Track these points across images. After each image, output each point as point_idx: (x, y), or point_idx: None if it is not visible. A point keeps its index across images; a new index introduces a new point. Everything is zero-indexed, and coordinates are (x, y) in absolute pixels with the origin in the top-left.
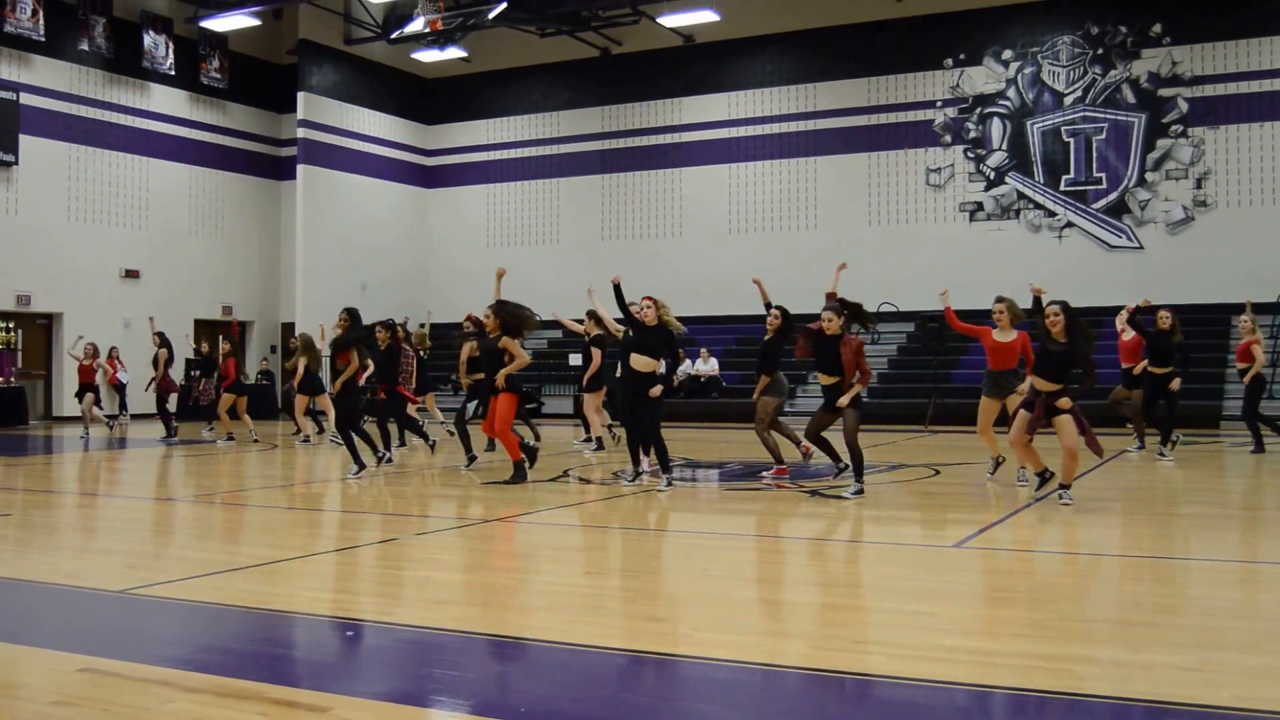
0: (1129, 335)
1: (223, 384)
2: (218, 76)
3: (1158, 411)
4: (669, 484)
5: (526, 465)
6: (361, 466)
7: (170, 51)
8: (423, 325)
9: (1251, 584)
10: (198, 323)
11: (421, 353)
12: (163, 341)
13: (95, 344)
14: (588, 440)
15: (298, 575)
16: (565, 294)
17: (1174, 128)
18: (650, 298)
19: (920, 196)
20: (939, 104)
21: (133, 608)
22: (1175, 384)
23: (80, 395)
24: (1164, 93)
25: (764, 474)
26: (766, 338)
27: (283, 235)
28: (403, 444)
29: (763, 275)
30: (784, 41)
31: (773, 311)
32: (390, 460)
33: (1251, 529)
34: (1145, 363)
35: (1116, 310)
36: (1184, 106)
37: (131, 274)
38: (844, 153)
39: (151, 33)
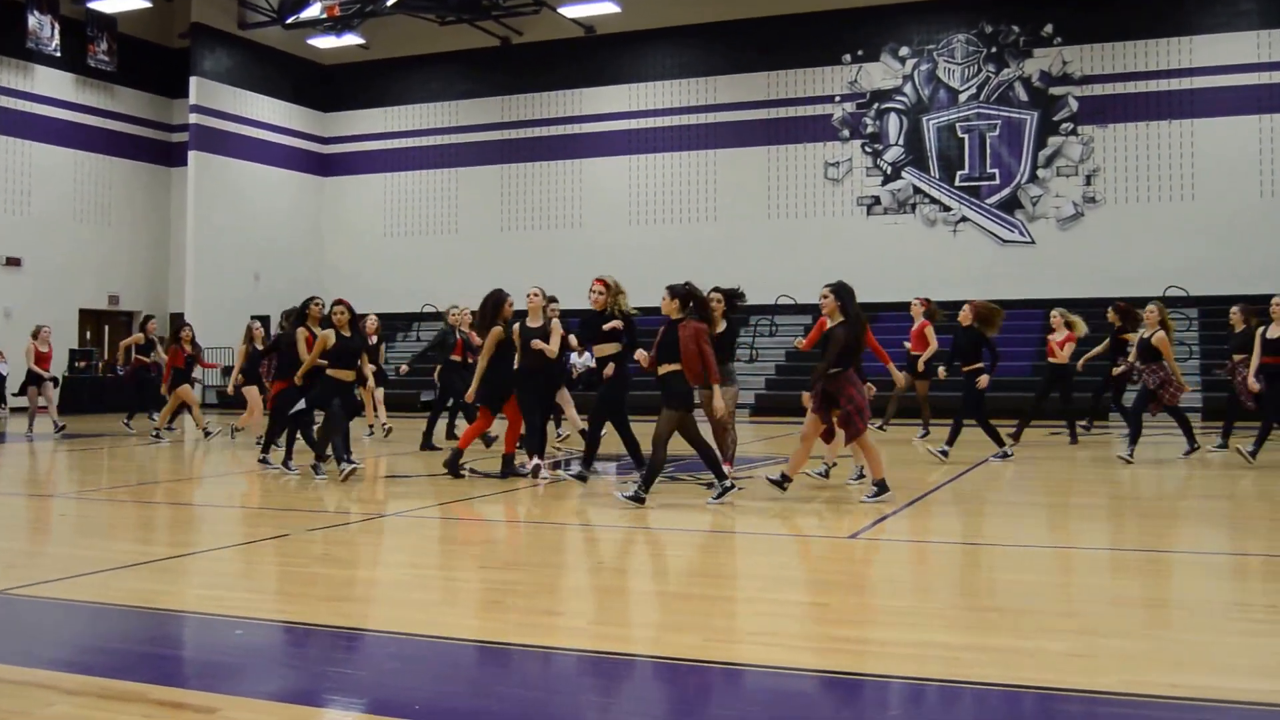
0: (922, 324)
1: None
2: (106, 59)
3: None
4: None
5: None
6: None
7: (56, 32)
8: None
9: (1129, 571)
10: (82, 312)
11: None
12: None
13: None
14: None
15: (185, 573)
16: (462, 285)
17: (1064, 125)
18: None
19: (818, 190)
20: (837, 99)
21: (10, 608)
22: (983, 380)
23: (33, 386)
24: (1055, 91)
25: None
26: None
27: (173, 223)
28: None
29: (662, 266)
30: (684, 34)
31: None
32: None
33: (1127, 518)
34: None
35: (1008, 303)
36: (1074, 105)
37: (12, 262)
38: (743, 145)
39: (36, 13)
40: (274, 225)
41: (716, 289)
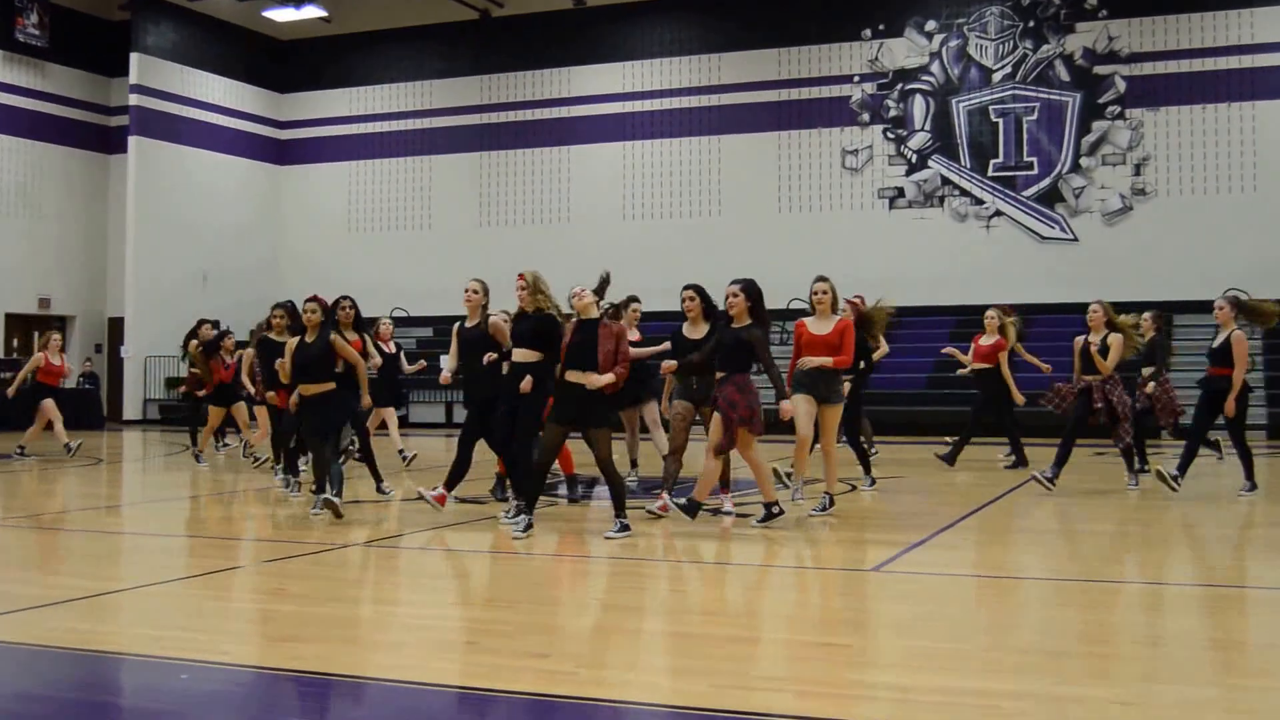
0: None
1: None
2: (36, 33)
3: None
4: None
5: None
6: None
7: None
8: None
9: (1180, 609)
10: (9, 317)
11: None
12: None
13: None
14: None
15: (125, 609)
16: (437, 285)
17: (1110, 109)
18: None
19: (835, 181)
20: (856, 79)
21: None
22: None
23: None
24: (1100, 70)
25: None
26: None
27: (111, 217)
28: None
29: (661, 265)
30: (685, 6)
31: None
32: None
33: (1169, 549)
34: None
35: (1048, 307)
36: (1121, 86)
37: None
38: (751, 131)
39: None
40: (225, 219)
41: (690, 286)
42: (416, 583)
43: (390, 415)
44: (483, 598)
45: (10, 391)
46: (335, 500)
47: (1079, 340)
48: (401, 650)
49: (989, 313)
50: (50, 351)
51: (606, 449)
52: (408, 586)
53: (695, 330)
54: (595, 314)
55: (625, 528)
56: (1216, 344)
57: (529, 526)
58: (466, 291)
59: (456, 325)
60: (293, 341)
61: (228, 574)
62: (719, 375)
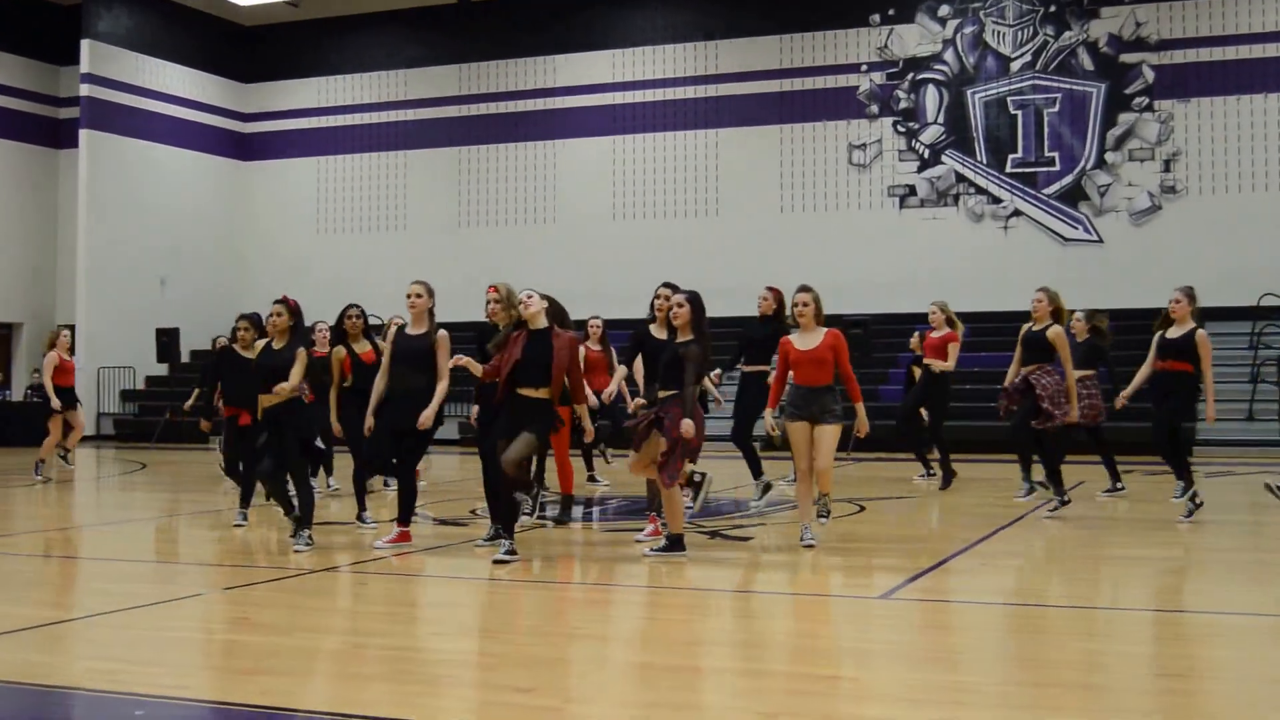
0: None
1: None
2: None
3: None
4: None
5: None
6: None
7: None
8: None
9: (1213, 637)
10: None
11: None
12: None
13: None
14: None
15: (74, 640)
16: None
17: (1138, 100)
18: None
19: (841, 177)
20: (864, 68)
21: None
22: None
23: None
24: (1126, 59)
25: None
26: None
27: (61, 217)
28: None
29: (652, 270)
30: None
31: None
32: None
33: (1202, 574)
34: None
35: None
36: (1150, 75)
37: None
38: (751, 124)
39: None
40: (184, 219)
41: (667, 284)
42: (391, 611)
43: None
44: (462, 627)
45: (55, 404)
46: (304, 544)
47: (1025, 328)
48: (375, 684)
49: (932, 307)
50: (61, 349)
51: (525, 454)
52: (382, 615)
53: (663, 331)
54: (544, 323)
55: (513, 552)
56: (1174, 336)
57: (512, 551)
58: (409, 296)
59: (393, 332)
60: (259, 344)
61: (187, 601)
62: (663, 393)
